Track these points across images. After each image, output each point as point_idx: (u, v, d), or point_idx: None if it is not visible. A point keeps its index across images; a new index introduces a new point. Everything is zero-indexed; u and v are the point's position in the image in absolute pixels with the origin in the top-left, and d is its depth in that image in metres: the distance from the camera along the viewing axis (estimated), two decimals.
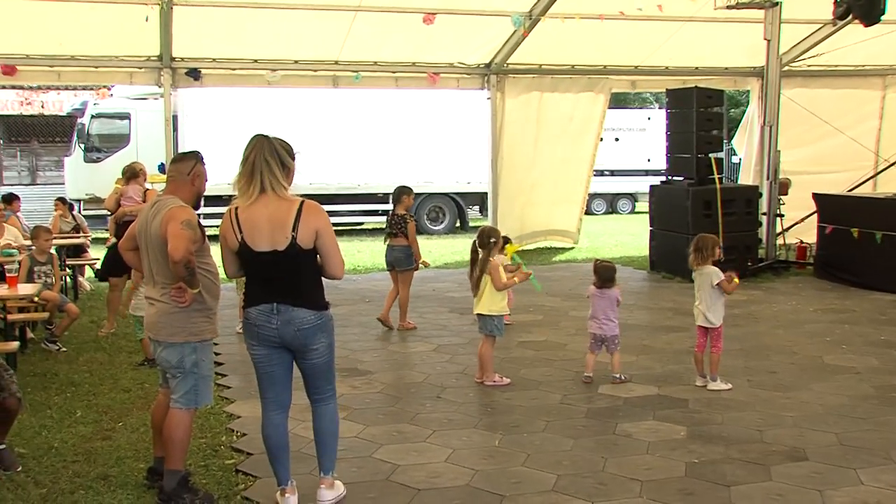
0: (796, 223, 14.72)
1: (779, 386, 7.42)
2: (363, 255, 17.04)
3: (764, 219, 13.98)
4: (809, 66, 15.72)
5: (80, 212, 17.18)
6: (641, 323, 9.95)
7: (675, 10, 13.60)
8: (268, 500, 5.04)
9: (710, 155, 13.48)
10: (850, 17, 11.95)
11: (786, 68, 14.91)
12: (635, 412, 6.74)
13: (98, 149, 21.31)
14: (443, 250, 17.43)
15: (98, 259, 13.55)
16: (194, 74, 13.54)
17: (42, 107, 31.64)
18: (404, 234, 9.79)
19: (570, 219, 17.06)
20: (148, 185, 10.68)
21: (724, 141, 19.26)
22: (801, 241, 14.38)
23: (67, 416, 6.75)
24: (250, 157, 4.71)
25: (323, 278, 4.89)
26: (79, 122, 21.89)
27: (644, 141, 29.56)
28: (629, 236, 20.49)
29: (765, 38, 13.24)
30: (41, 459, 5.76)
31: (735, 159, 24.41)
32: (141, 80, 13.89)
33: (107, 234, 14.86)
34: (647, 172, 28.07)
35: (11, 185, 26.85)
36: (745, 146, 16.83)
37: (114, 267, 9.84)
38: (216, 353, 7.76)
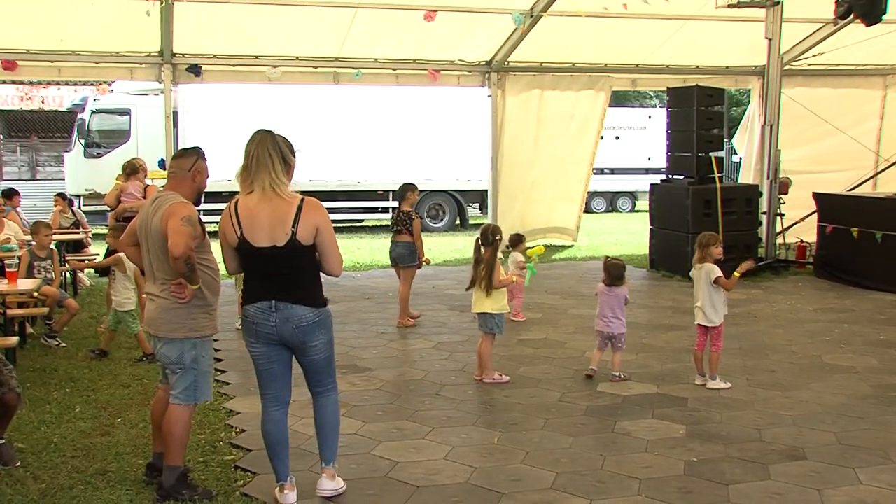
0: (796, 222, 14.73)
1: (778, 385, 7.42)
2: (363, 252, 17.03)
3: (764, 218, 13.98)
4: (810, 65, 15.71)
5: (79, 207, 17.16)
6: (641, 321, 9.95)
7: (676, 9, 13.59)
8: (267, 497, 5.04)
9: (711, 154, 13.49)
10: (852, 16, 11.96)
11: (787, 67, 14.89)
12: (634, 410, 6.75)
13: (98, 144, 21.31)
14: (442, 248, 17.42)
15: (98, 255, 13.55)
16: (195, 70, 13.51)
17: (42, 102, 31.62)
18: (409, 230, 9.83)
19: (569, 217, 17.06)
20: (148, 182, 10.68)
21: (725, 140, 19.25)
22: (801, 241, 14.39)
23: (66, 411, 6.75)
24: (252, 151, 4.72)
25: (322, 275, 4.90)
26: (79, 117, 21.88)
27: (644, 139, 29.55)
28: (629, 235, 20.49)
29: (766, 37, 13.24)
30: (40, 455, 5.76)
31: (735, 158, 24.42)
32: (141, 75, 13.88)
33: (106, 230, 14.89)
34: (647, 171, 28.05)
35: (11, 180, 26.83)
36: (745, 145, 16.82)
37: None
38: (216, 350, 7.75)
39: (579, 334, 9.46)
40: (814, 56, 15.41)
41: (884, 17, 11.77)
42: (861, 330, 9.64)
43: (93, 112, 21.43)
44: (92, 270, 13.77)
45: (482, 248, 7.51)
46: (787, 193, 14.20)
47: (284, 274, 4.73)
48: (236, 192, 4.86)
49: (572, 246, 17.13)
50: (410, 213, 9.92)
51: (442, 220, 22.75)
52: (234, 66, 13.94)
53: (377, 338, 9.44)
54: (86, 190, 20.27)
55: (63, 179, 22.19)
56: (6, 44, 12.62)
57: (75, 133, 21.69)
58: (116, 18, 12.16)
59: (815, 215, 13.64)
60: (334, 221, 4.92)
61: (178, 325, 4.97)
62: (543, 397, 7.11)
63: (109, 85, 21.60)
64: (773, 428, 6.28)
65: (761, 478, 5.33)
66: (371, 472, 5.44)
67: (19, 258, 9.45)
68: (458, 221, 23.08)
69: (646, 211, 15.50)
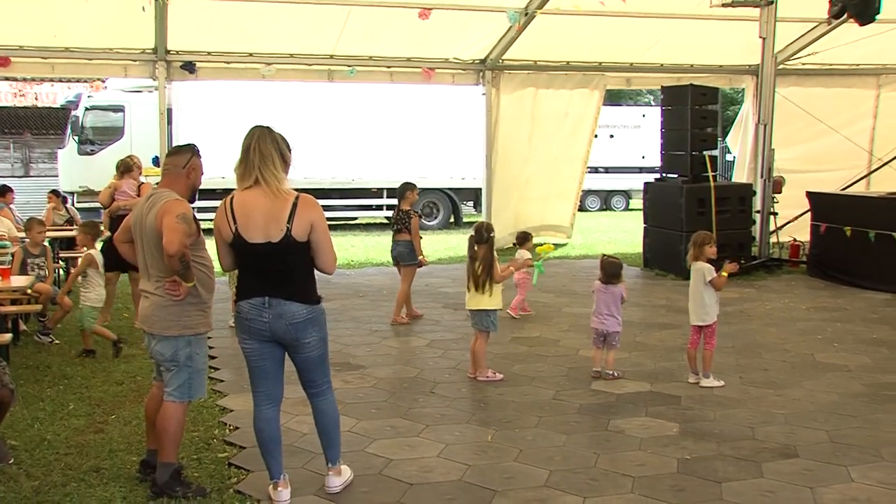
0: (790, 221, 14.77)
1: (771, 383, 7.44)
2: (356, 250, 17.04)
3: (758, 217, 14.00)
4: (804, 64, 15.73)
5: (73, 204, 17.13)
6: (634, 320, 9.96)
7: (670, 8, 13.63)
8: (260, 494, 5.04)
9: (705, 152, 13.51)
10: (846, 15, 11.97)
11: (781, 66, 14.94)
12: (628, 408, 6.76)
13: (92, 141, 21.26)
14: (436, 246, 17.42)
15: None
16: (189, 67, 13.49)
17: (36, 99, 31.54)
18: (408, 229, 9.89)
19: (563, 214, 17.10)
20: (142, 179, 10.66)
21: (719, 139, 19.28)
22: (795, 240, 14.42)
23: (60, 408, 6.74)
24: (251, 145, 4.73)
25: (315, 273, 4.90)
26: (73, 114, 21.82)
27: (639, 138, 29.61)
28: (623, 233, 20.53)
29: (760, 36, 13.25)
30: (33, 452, 5.75)
31: (729, 157, 24.43)
32: (135, 72, 13.83)
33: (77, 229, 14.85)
34: (641, 169, 28.13)
35: (4, 177, 26.67)
36: (739, 144, 16.87)
37: (108, 261, 9.82)
38: (210, 347, 7.74)
39: (573, 332, 9.47)
40: (808, 55, 15.43)
41: (877, 16, 11.78)
42: (853, 328, 9.66)
43: (86, 109, 21.37)
44: None
45: (476, 246, 7.51)
46: (780, 192, 14.23)
47: (278, 270, 4.73)
48: (231, 190, 4.87)
49: (566, 244, 17.16)
50: (409, 211, 9.98)
51: (436, 218, 22.74)
52: (228, 63, 13.91)
53: (371, 335, 9.44)
54: (79, 187, 20.23)
55: (56, 176, 22.11)
56: None
57: (69, 130, 21.64)
58: (110, 15, 12.15)
59: (809, 214, 13.67)
60: (328, 219, 4.91)
61: (173, 323, 4.97)
62: (537, 395, 7.11)
63: (103, 82, 21.54)
64: (766, 426, 6.30)
65: (754, 476, 5.34)
66: (365, 469, 5.44)
67: (12, 255, 9.44)
68: (452, 219, 23.09)
69: (640, 209, 15.51)
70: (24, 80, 29.17)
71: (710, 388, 7.26)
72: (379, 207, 22.47)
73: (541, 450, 5.82)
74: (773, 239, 14.52)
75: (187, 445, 5.77)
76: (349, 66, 14.30)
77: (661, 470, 5.46)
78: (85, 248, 8.91)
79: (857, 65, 16.38)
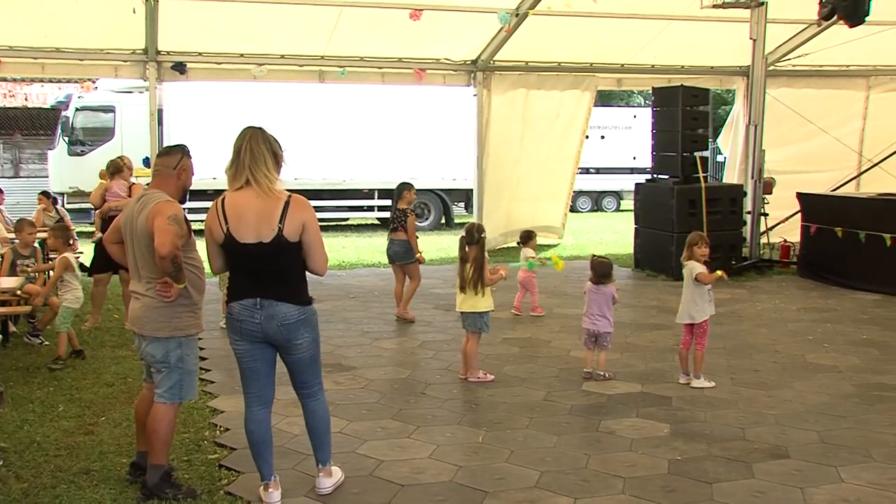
0: (780, 222, 14.80)
1: (761, 384, 7.46)
2: (348, 251, 17.02)
3: (748, 218, 14.02)
4: (794, 65, 15.77)
5: (63, 205, 17.07)
6: (625, 320, 9.97)
7: (661, 9, 13.64)
8: (251, 495, 5.03)
9: (696, 153, 13.54)
10: (835, 17, 12.00)
11: (771, 68, 14.97)
12: (619, 409, 6.77)
13: (82, 142, 21.19)
14: (428, 247, 17.31)
15: (83, 253, 13.47)
16: (180, 68, 13.46)
17: (25, 99, 31.40)
18: (404, 228, 9.98)
19: (554, 215, 17.11)
20: (133, 180, 10.63)
21: (710, 140, 19.33)
22: (785, 241, 14.45)
23: (50, 410, 6.71)
24: (244, 145, 4.72)
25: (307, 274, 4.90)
26: (63, 114, 21.73)
27: (630, 139, 29.63)
28: (614, 234, 20.56)
29: (750, 38, 13.28)
30: (23, 454, 5.73)
31: (720, 158, 24.50)
32: (126, 73, 13.80)
33: (91, 228, 14.83)
34: (632, 170, 28.14)
35: None
36: (730, 145, 16.91)
37: (100, 262, 9.81)
38: (200, 348, 7.73)
39: (564, 333, 9.48)
40: (798, 57, 15.48)
41: (867, 18, 11.82)
42: (844, 329, 9.69)
43: (77, 109, 21.30)
44: (77, 268, 13.71)
45: (467, 247, 7.51)
46: (771, 193, 14.26)
47: (271, 271, 4.72)
48: (221, 191, 4.87)
49: (558, 245, 17.18)
50: (406, 210, 10.07)
51: (427, 219, 22.73)
52: (219, 63, 13.89)
53: (362, 336, 9.43)
54: (70, 188, 20.16)
55: (47, 177, 22.03)
56: None
57: (59, 131, 21.54)
58: (101, 16, 12.10)
59: (799, 215, 13.70)
60: (319, 220, 4.91)
61: (164, 324, 4.96)
62: (528, 396, 7.12)
63: (94, 82, 21.47)
64: (757, 427, 6.31)
65: (745, 476, 5.35)
66: (356, 470, 5.43)
67: (2, 256, 9.40)
68: (443, 220, 23.09)
69: (631, 210, 15.54)
70: (15, 80, 29.04)
71: (701, 388, 7.28)
72: (370, 208, 22.46)
73: (532, 451, 5.82)
74: (763, 240, 14.56)
75: (178, 447, 5.76)
76: (340, 66, 14.29)
77: (651, 471, 5.46)
78: (58, 253, 8.75)
79: (847, 66, 16.43)
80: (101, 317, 10.04)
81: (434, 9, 12.82)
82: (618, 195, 30.68)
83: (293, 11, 12.67)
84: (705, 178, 13.44)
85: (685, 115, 13.42)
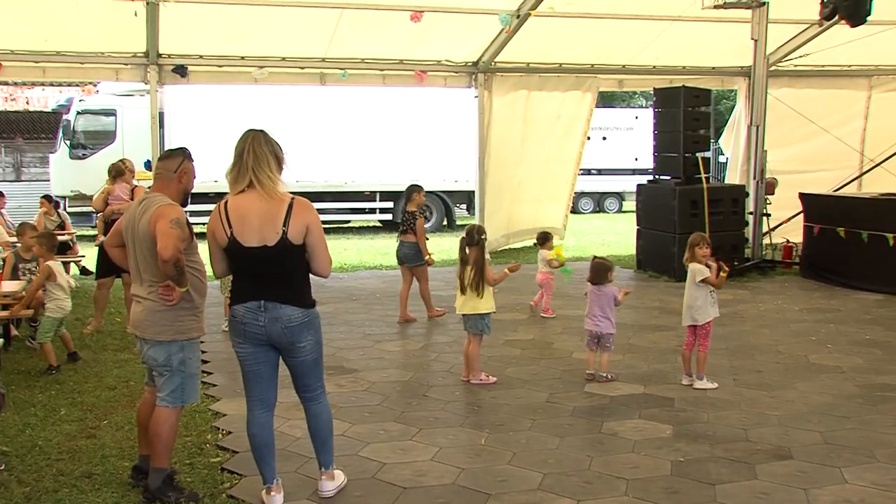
0: (782, 223, 14.78)
1: (764, 385, 7.44)
2: (350, 254, 17.02)
3: (750, 218, 14.01)
4: (796, 66, 15.76)
5: (65, 209, 17.08)
6: (627, 322, 9.95)
7: (662, 10, 13.63)
8: (253, 499, 5.02)
9: (698, 154, 13.52)
10: (837, 17, 11.98)
11: (773, 68, 14.96)
12: (621, 411, 6.75)
13: (83, 145, 21.19)
14: (430, 249, 17.34)
15: (84, 256, 13.50)
16: (181, 71, 13.45)
17: (27, 103, 31.44)
18: (413, 230, 10.06)
19: (556, 216, 17.08)
20: (135, 183, 10.63)
21: (712, 140, 19.32)
22: (788, 241, 14.43)
23: (52, 414, 6.71)
24: (247, 147, 4.72)
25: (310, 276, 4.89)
26: (64, 118, 21.77)
27: (631, 140, 29.61)
28: (616, 235, 20.53)
29: (752, 38, 13.27)
30: (25, 458, 5.72)
31: (722, 159, 24.50)
32: (127, 76, 13.82)
33: (93, 231, 14.82)
34: (634, 171, 28.11)
35: None
36: (731, 146, 16.88)
37: (104, 267, 9.80)
38: (202, 352, 7.71)
39: (566, 335, 9.46)
40: (799, 57, 15.47)
41: (868, 18, 11.81)
42: (847, 330, 9.67)
43: (78, 113, 21.31)
44: (77, 272, 13.74)
45: (467, 249, 7.50)
46: (773, 194, 14.24)
47: (275, 273, 4.72)
48: (223, 193, 4.86)
49: (560, 246, 17.14)
50: (415, 213, 10.15)
51: (429, 220, 22.69)
52: (220, 66, 13.89)
53: (364, 339, 9.43)
54: (71, 191, 20.15)
55: (48, 181, 22.05)
56: None
57: (60, 134, 21.54)
58: (102, 19, 12.09)
59: (801, 215, 13.68)
60: (321, 222, 4.90)
61: (166, 328, 4.95)
62: (530, 398, 7.10)
63: (95, 86, 21.49)
64: (760, 428, 6.30)
65: (748, 478, 5.34)
66: (358, 473, 5.42)
67: (4, 260, 9.40)
68: (445, 222, 23.08)
69: (633, 212, 15.53)
70: (16, 84, 29.10)
71: (704, 389, 7.26)
72: (372, 210, 22.47)
73: (534, 453, 5.81)
74: (766, 240, 14.54)
75: (180, 450, 5.75)
76: (341, 68, 14.28)
77: (654, 472, 5.45)
78: (42, 260, 8.55)
79: (849, 66, 16.41)
80: (104, 320, 10.03)
81: (435, 10, 12.81)
82: (620, 196, 30.66)
83: (294, 14, 12.67)
84: (707, 178, 13.43)
85: (687, 115, 13.41)
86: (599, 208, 30.46)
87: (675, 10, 13.59)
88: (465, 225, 9.48)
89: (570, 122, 16.13)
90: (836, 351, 8.70)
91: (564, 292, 11.73)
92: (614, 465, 5.58)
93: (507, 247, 16.37)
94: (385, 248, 17.83)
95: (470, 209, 22.17)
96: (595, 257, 8.01)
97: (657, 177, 14.30)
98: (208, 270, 5.06)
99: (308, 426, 5.10)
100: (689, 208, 12.99)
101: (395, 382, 7.65)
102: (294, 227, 4.67)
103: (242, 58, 13.79)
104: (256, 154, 4.70)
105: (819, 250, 13.04)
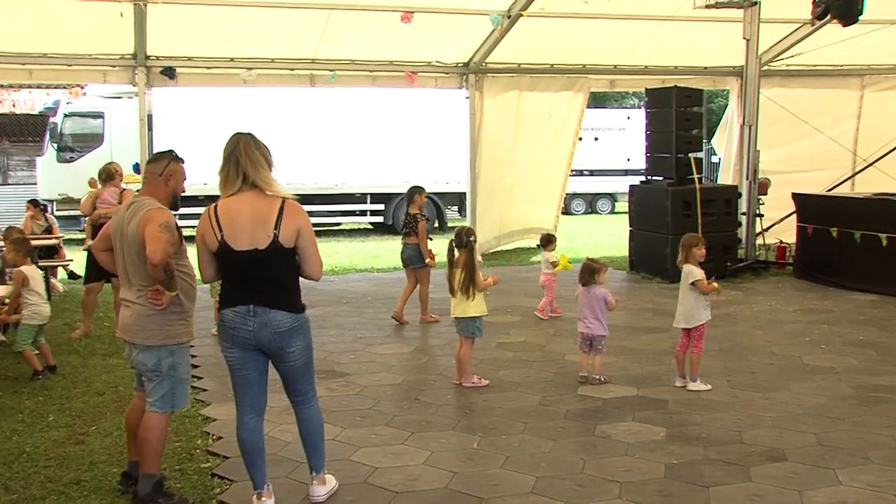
0: (775, 223, 14.77)
1: (758, 386, 7.41)
2: (340, 257, 16.96)
3: (743, 219, 14.01)
4: (788, 65, 15.77)
5: (52, 213, 16.98)
6: (620, 324, 9.92)
7: (654, 9, 13.61)
8: None
9: (690, 155, 13.51)
10: (829, 16, 11.98)
11: (765, 68, 14.94)
12: (614, 413, 6.72)
13: (71, 148, 21.04)
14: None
15: (72, 261, 13.40)
16: (169, 73, 13.37)
17: (13, 105, 31.27)
18: (416, 232, 10.08)
19: (547, 217, 17.04)
20: (124, 186, 10.56)
21: (704, 140, 19.32)
22: (781, 242, 14.43)
23: (39, 420, 6.65)
24: (239, 150, 4.70)
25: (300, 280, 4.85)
26: (51, 121, 21.59)
27: (623, 140, 29.63)
28: (608, 236, 20.52)
29: (744, 38, 13.27)
30: (12, 465, 5.67)
31: (714, 159, 24.53)
32: (115, 78, 13.71)
33: (80, 235, 14.73)
34: (626, 172, 28.12)
35: None
36: (724, 146, 16.88)
37: (93, 271, 9.73)
38: (192, 356, 7.66)
39: (558, 337, 9.43)
40: (792, 56, 15.47)
41: (860, 17, 11.80)
42: (840, 330, 9.65)
43: (65, 115, 21.17)
44: (65, 276, 13.66)
45: (456, 251, 7.46)
46: (766, 194, 14.23)
47: (264, 277, 4.67)
48: (212, 196, 4.81)
49: (564, 255, 17.10)
50: (416, 215, 10.18)
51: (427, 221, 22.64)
52: (208, 68, 13.82)
53: (355, 342, 9.38)
54: (59, 195, 20.01)
55: (35, 184, 21.92)
56: None
57: (47, 137, 21.39)
58: (89, 21, 12.01)
59: (795, 216, 13.67)
60: (311, 225, 4.86)
61: (155, 332, 4.90)
62: (523, 401, 7.06)
63: (82, 88, 21.37)
64: (754, 429, 6.27)
65: (741, 480, 5.31)
66: (350, 478, 5.38)
67: None
68: (436, 224, 23.03)
69: (625, 213, 15.51)
70: (2, 86, 28.95)
71: (697, 391, 7.23)
72: (363, 213, 22.42)
73: (527, 456, 5.78)
74: (759, 241, 14.52)
75: (170, 456, 5.70)
76: (331, 70, 14.23)
77: (648, 475, 5.42)
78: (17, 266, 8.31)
79: (841, 66, 16.42)
80: (92, 325, 9.96)
81: (425, 11, 12.77)
82: (612, 197, 30.65)
83: (283, 15, 12.61)
84: (700, 179, 13.41)
85: (679, 116, 13.40)
86: (592, 209, 30.46)
87: (667, 10, 13.57)
88: (456, 227, 9.44)
89: (562, 123, 16.10)
90: (829, 352, 8.68)
91: (558, 294, 11.70)
92: (608, 468, 5.54)
93: (498, 248, 16.33)
94: (376, 251, 17.81)
95: (461, 211, 22.13)
96: (588, 259, 7.97)
97: (649, 177, 14.29)
98: (197, 274, 5.00)
99: (299, 430, 5.06)
100: (682, 209, 12.97)
101: (386, 386, 7.60)
102: (285, 230, 4.64)
103: (231, 59, 13.73)
104: (251, 158, 4.68)
105: (812, 251, 13.03)
